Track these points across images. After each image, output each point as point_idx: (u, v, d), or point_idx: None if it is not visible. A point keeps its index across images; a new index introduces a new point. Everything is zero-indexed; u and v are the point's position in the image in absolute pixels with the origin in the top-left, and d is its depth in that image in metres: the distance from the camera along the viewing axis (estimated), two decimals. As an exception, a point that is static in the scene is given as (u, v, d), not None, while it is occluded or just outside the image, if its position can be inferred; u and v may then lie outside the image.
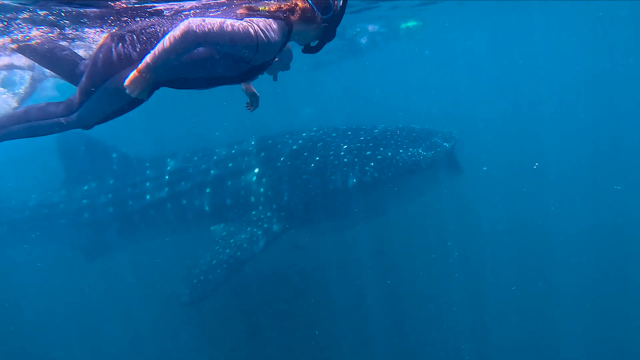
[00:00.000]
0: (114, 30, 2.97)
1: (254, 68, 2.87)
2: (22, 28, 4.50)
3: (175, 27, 2.45)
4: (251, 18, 2.70)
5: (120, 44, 2.76)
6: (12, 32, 4.57)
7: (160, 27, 2.82)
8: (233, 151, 7.07)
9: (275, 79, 3.99)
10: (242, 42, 2.56)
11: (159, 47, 2.43)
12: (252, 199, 6.57)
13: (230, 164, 6.88)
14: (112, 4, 3.98)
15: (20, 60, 7.08)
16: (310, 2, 2.83)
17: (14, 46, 4.87)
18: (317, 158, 6.35)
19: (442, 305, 7.91)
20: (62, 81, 3.36)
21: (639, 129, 16.87)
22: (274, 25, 2.72)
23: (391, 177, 6.10)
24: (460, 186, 9.40)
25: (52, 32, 4.87)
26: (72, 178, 7.80)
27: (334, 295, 7.74)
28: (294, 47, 3.56)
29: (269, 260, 7.82)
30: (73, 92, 3.05)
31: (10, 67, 7.23)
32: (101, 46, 2.83)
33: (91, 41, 5.81)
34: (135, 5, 4.17)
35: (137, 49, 2.74)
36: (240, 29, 2.54)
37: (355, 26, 11.88)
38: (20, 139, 3.18)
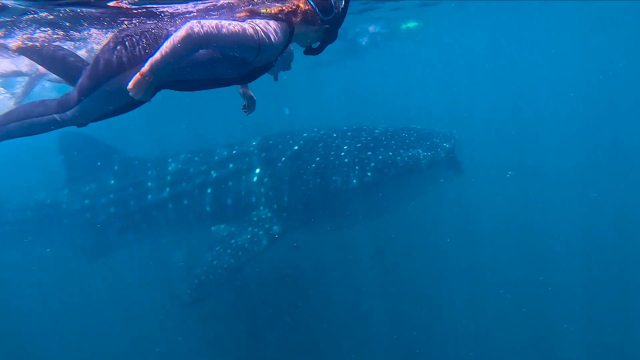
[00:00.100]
0: (117, 32, 2.99)
1: (256, 69, 2.89)
2: (25, 30, 4.52)
3: (178, 30, 2.47)
4: (253, 20, 2.71)
5: (123, 46, 2.77)
6: (15, 33, 4.59)
7: (163, 30, 2.83)
8: (234, 152, 7.09)
9: (276, 79, 4.01)
10: (244, 44, 2.57)
11: (161, 50, 2.45)
12: (253, 199, 6.59)
13: (231, 165, 6.90)
14: (114, 4, 4.00)
15: (25, 66, 7.09)
16: (312, 3, 2.84)
17: (15, 45, 4.88)
18: (318, 158, 6.37)
19: (442, 305, 7.93)
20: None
21: (639, 129, 16.89)
22: (276, 27, 2.73)
23: (392, 177, 6.12)
24: (461, 186, 9.42)
25: (55, 34, 4.89)
26: (73, 178, 7.82)
27: (334, 295, 7.76)
28: (295, 48, 3.58)
29: (269, 261, 7.84)
30: None
31: (17, 74, 7.24)
32: (104, 48, 2.85)
33: (94, 43, 5.83)
34: (138, 8, 4.19)
35: (140, 52, 2.76)
36: (242, 31, 2.56)
37: (356, 27, 11.91)
38: (17, 137, 3.18)
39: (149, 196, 7.17)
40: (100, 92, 2.85)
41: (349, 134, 6.75)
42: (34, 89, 7.66)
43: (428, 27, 13.83)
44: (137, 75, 2.50)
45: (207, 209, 6.80)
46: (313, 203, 6.30)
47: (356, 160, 6.20)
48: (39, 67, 7.06)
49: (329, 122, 8.23)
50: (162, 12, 4.47)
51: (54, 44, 5.31)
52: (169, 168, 7.31)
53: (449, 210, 9.80)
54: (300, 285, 7.97)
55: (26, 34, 4.65)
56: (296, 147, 6.68)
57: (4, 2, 3.71)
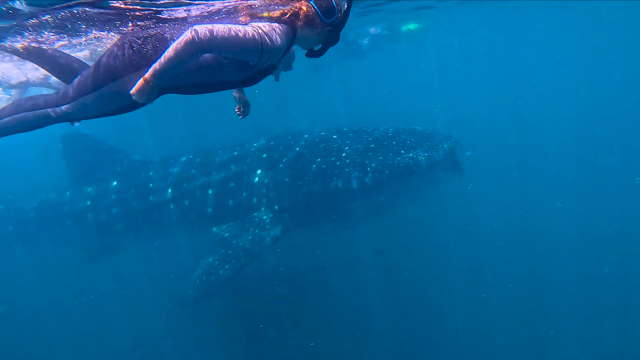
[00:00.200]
0: (121, 36, 3.01)
1: (259, 72, 2.90)
2: (30, 33, 4.55)
3: (181, 35, 2.49)
4: (255, 23, 2.73)
5: (127, 50, 2.79)
6: (20, 37, 4.62)
7: (166, 34, 2.85)
8: (235, 153, 7.11)
9: (277, 78, 4.02)
10: (247, 47, 2.59)
11: (165, 56, 2.48)
12: (255, 200, 6.62)
13: (233, 166, 6.93)
14: (117, 4, 4.03)
15: (35, 75, 7.10)
16: (314, 6, 2.86)
17: (20, 46, 4.91)
18: (319, 159, 6.40)
19: (443, 305, 7.94)
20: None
21: (638, 130, 16.91)
22: (278, 30, 2.75)
23: (392, 178, 6.16)
24: (461, 187, 9.44)
25: (59, 37, 4.92)
26: (76, 180, 7.84)
27: (334, 296, 7.77)
28: (296, 48, 3.60)
29: (269, 261, 7.87)
30: None
31: (27, 85, 7.26)
32: (109, 50, 2.87)
33: (97, 45, 5.86)
34: (142, 11, 4.23)
35: (143, 56, 2.78)
36: (245, 35, 2.57)
37: (357, 28, 11.94)
38: (11, 133, 3.16)
39: (151, 197, 7.20)
40: (100, 93, 2.86)
41: (350, 134, 6.78)
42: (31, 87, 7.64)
43: (429, 28, 13.87)
44: (141, 81, 2.53)
45: (209, 210, 6.82)
46: (314, 204, 6.32)
47: (357, 161, 6.23)
48: (40, 73, 7.11)
49: (330, 123, 8.25)
50: (166, 16, 4.50)
51: (55, 45, 5.34)
52: (171, 169, 7.34)
53: (449, 211, 9.83)
54: (300, 286, 7.99)
55: (31, 36, 4.68)
56: (297, 148, 6.71)
57: (17, 7, 3.73)
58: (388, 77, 28.40)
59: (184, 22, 4.76)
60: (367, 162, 6.20)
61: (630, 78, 23.60)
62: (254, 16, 2.88)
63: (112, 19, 4.37)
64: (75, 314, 8.38)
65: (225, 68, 2.79)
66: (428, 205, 9.05)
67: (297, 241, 8.12)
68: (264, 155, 6.86)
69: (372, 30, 12.19)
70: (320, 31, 2.94)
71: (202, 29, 2.47)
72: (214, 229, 6.62)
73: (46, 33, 4.67)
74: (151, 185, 7.27)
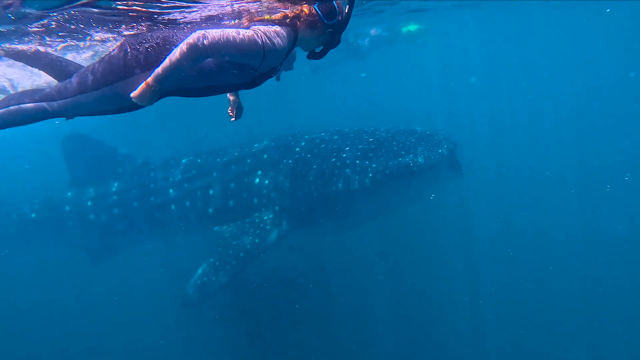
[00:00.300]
0: (125, 39, 3.02)
1: (262, 75, 2.91)
2: (33, 36, 4.57)
3: (184, 40, 2.50)
4: (257, 26, 2.74)
5: (130, 53, 2.79)
6: (23, 40, 4.64)
7: (170, 38, 2.84)
8: (236, 154, 7.14)
9: (278, 78, 4.04)
10: (249, 51, 2.60)
11: (168, 60, 2.49)
12: (255, 200, 6.64)
13: (234, 166, 6.95)
14: (119, 7, 4.05)
15: (42, 80, 7.11)
16: (316, 8, 2.88)
17: (21, 48, 4.93)
18: (320, 160, 6.42)
19: (444, 305, 7.96)
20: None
21: (638, 130, 16.93)
22: (280, 32, 2.76)
23: (393, 179, 6.18)
24: (462, 187, 9.46)
25: (61, 39, 4.94)
26: (77, 181, 7.85)
27: (336, 296, 7.78)
28: (297, 49, 3.61)
29: (269, 261, 7.88)
30: None
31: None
32: (112, 52, 2.88)
33: (100, 46, 5.88)
34: (145, 14, 4.25)
35: (147, 59, 2.78)
36: (247, 38, 2.58)
37: (357, 29, 11.97)
38: (6, 127, 3.13)
39: (152, 198, 7.22)
40: (100, 93, 2.86)
41: (350, 135, 6.80)
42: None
43: (429, 29, 13.90)
44: (143, 85, 2.54)
45: (210, 210, 6.84)
46: (315, 204, 6.34)
47: (358, 161, 6.25)
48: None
49: (331, 124, 8.27)
50: (169, 19, 4.52)
51: (58, 47, 5.36)
52: (172, 170, 7.36)
53: (450, 211, 9.84)
54: (300, 286, 8.00)
55: (34, 39, 4.70)
56: (298, 149, 6.73)
57: (24, 10, 3.74)
58: (388, 78, 28.44)
59: (187, 26, 4.78)
60: (367, 162, 6.22)
61: (630, 78, 23.64)
62: (255, 19, 2.89)
63: (114, 21, 4.40)
64: (75, 314, 8.39)
65: (228, 71, 2.80)
66: (429, 206, 9.07)
67: (297, 241, 8.13)
68: (265, 156, 6.89)
69: (373, 31, 12.22)
70: (322, 33, 2.95)
71: (205, 34, 2.48)
72: (215, 229, 6.65)
73: (48, 38, 4.68)
74: (152, 185, 7.29)
